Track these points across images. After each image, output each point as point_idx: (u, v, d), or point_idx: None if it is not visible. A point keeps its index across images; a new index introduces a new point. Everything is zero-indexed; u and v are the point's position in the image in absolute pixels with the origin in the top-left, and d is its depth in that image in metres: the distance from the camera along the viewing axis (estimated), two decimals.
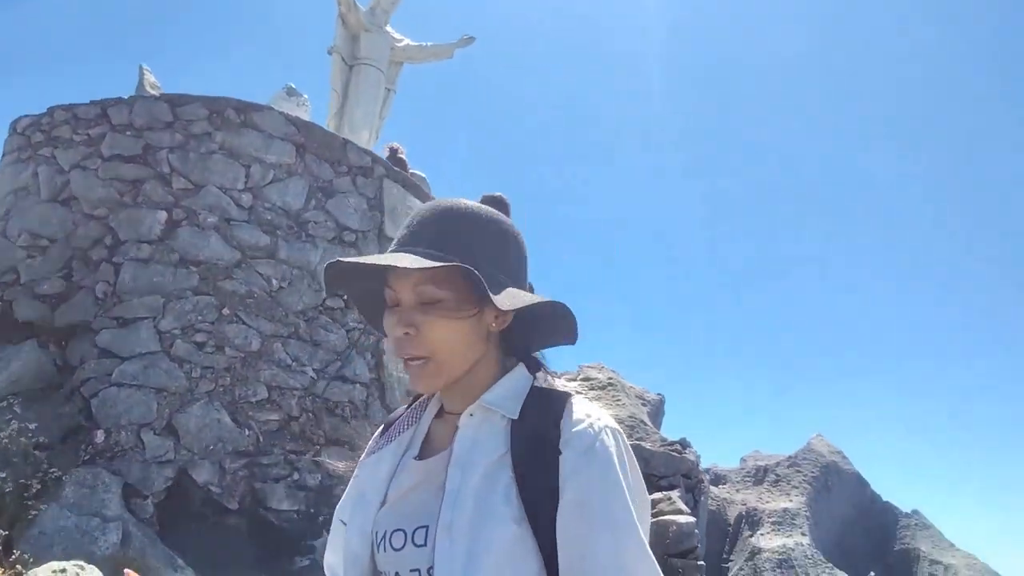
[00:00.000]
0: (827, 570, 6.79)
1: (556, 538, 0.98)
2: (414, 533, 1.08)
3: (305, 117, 6.02)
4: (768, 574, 6.78)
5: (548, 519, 0.99)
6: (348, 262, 1.10)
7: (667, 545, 5.58)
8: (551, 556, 0.98)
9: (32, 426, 4.10)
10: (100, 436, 4.18)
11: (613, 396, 8.51)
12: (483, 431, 1.10)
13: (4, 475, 3.76)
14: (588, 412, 1.04)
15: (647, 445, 7.02)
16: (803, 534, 7.24)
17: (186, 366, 4.49)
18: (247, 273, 4.91)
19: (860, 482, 8.45)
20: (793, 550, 6.96)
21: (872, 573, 5.46)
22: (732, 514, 8.38)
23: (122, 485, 4.06)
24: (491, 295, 1.23)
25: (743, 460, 9.81)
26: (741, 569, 7.13)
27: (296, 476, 4.61)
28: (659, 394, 9.47)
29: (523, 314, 1.21)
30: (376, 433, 1.33)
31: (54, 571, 3.00)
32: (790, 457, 8.74)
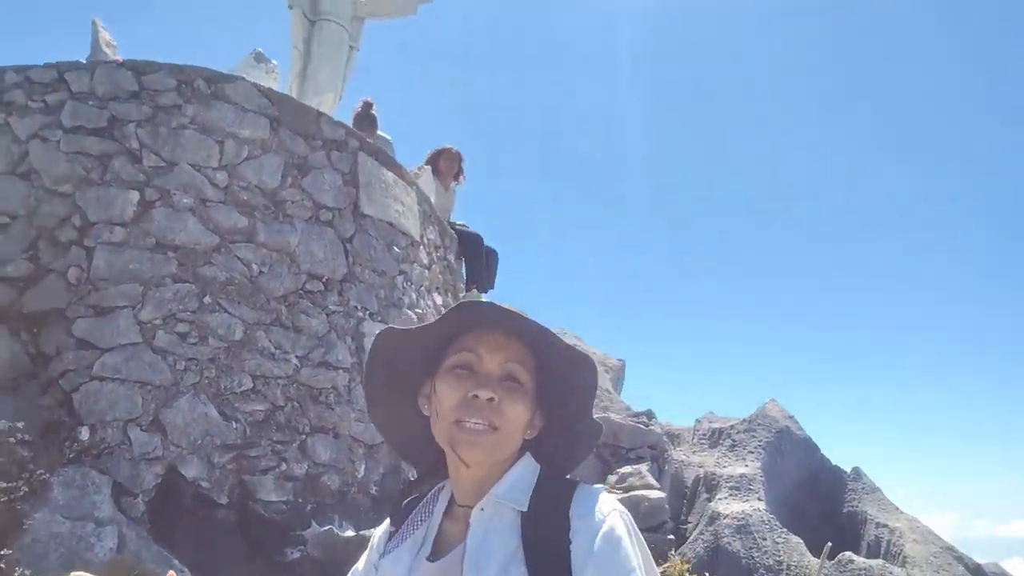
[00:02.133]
0: (783, 535, 7.13)
1: None
2: None
3: (275, 85, 5.77)
4: (727, 539, 7.08)
5: None
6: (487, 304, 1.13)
7: (639, 520, 5.74)
8: None
9: (20, 424, 3.92)
10: (85, 433, 4.02)
11: None
12: (494, 525, 1.14)
13: None
14: (596, 500, 1.11)
15: (614, 416, 7.16)
16: (759, 499, 7.56)
17: (169, 358, 4.33)
18: (226, 258, 4.73)
19: (810, 447, 8.84)
20: (751, 515, 7.27)
21: (829, 544, 5.74)
22: (689, 476, 8.68)
23: (111, 484, 3.94)
24: (592, 413, 1.32)
25: (698, 422, 10.12)
26: (701, 533, 7.42)
27: (284, 466, 4.55)
28: (620, 359, 9.64)
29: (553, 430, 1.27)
30: (385, 523, 1.35)
31: None
32: (745, 421, 9.06)
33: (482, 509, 1.14)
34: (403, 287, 6.03)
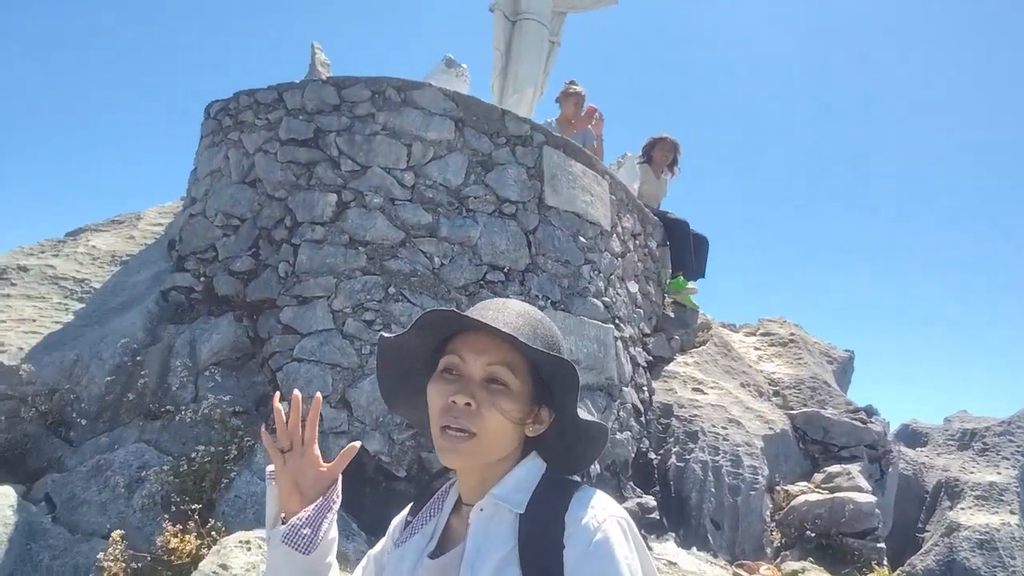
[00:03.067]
0: None
1: None
2: None
3: (464, 88, 6.08)
4: (966, 554, 6.24)
5: None
6: (460, 315, 1.15)
7: (842, 524, 5.28)
8: None
9: (227, 398, 4.60)
10: (285, 407, 4.59)
11: (794, 353, 8.07)
12: (493, 526, 1.13)
13: (206, 446, 4.25)
14: (592, 504, 1.09)
15: (827, 412, 6.62)
16: (1012, 512, 6.55)
17: (356, 343, 4.80)
18: (411, 252, 5.11)
19: None
20: (998, 530, 6.33)
21: None
22: (931, 480, 7.78)
23: None
24: (578, 412, 1.29)
25: (947, 421, 9.02)
26: (935, 544, 6.62)
27: None
28: (848, 350, 8.85)
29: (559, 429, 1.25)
30: (403, 513, 1.36)
31: (240, 542, 3.38)
32: (1003, 422, 7.90)
33: (481, 509, 1.16)
34: (589, 276, 6.07)
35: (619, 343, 6.20)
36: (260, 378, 4.91)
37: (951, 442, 8.33)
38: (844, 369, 8.44)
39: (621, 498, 5.58)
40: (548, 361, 1.16)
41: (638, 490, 5.70)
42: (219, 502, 4.01)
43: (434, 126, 5.48)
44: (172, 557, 3.52)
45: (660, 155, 8.41)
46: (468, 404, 1.13)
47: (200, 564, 3.25)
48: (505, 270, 5.43)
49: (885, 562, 5.27)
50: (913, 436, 9.32)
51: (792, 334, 8.30)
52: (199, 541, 3.55)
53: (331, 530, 1.24)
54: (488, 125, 5.73)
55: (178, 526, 3.60)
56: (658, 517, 5.52)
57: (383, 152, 5.33)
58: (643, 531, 4.96)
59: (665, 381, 6.68)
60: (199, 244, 5.63)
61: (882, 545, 5.31)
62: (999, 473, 7.08)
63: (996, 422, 7.99)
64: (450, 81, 6.06)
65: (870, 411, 6.87)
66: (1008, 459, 7.24)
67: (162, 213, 7.12)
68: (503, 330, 1.13)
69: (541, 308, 5.50)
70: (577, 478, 1.28)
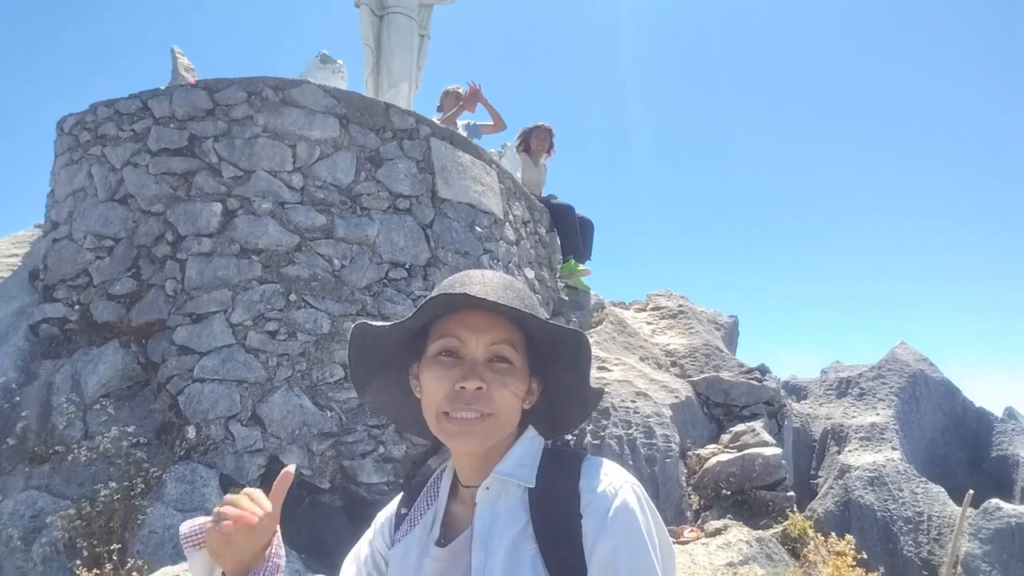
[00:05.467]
0: (920, 484, 6.66)
1: None
2: None
3: (342, 84, 5.90)
4: (859, 492, 6.70)
5: None
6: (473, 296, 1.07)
7: (754, 479, 5.52)
8: None
9: (131, 428, 4.25)
10: (192, 432, 4.31)
11: (685, 324, 8.38)
12: (501, 504, 1.09)
13: (108, 484, 3.90)
14: (606, 472, 1.07)
15: (725, 375, 6.92)
16: (893, 448, 7.10)
17: (262, 356, 4.56)
18: (308, 256, 4.90)
19: (950, 390, 8.20)
20: (884, 466, 6.84)
21: (971, 491, 5.28)
22: (817, 429, 8.28)
23: (219, 477, 4.19)
24: (590, 383, 1.26)
25: (823, 372, 9.64)
26: (831, 488, 7.07)
27: (382, 450, 4.69)
28: (732, 316, 9.29)
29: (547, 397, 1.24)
30: (390, 509, 1.29)
31: None
32: (874, 367, 8.53)
33: (488, 488, 1.11)
34: (489, 265, 6.04)
35: None
36: (158, 405, 4.57)
37: (830, 392, 8.92)
38: (731, 333, 8.86)
39: None
40: (563, 334, 1.12)
41: None
42: (132, 541, 3.69)
43: (317, 124, 5.28)
44: None
45: (537, 143, 8.51)
46: (480, 388, 1.07)
47: None
48: (407, 266, 5.31)
49: (795, 509, 5.56)
50: (794, 390, 9.92)
51: (680, 305, 8.61)
52: None
53: None
54: (373, 120, 5.59)
55: (94, 571, 3.28)
56: None
57: (267, 155, 5.09)
58: None
59: None
60: (69, 270, 5.17)
61: (792, 494, 5.60)
62: (877, 414, 7.64)
63: (867, 368, 8.63)
64: (327, 78, 5.85)
65: (763, 369, 7.23)
66: (883, 400, 7.83)
67: (15, 243, 6.50)
68: (525, 310, 1.08)
69: None
70: (558, 443, 1.27)
